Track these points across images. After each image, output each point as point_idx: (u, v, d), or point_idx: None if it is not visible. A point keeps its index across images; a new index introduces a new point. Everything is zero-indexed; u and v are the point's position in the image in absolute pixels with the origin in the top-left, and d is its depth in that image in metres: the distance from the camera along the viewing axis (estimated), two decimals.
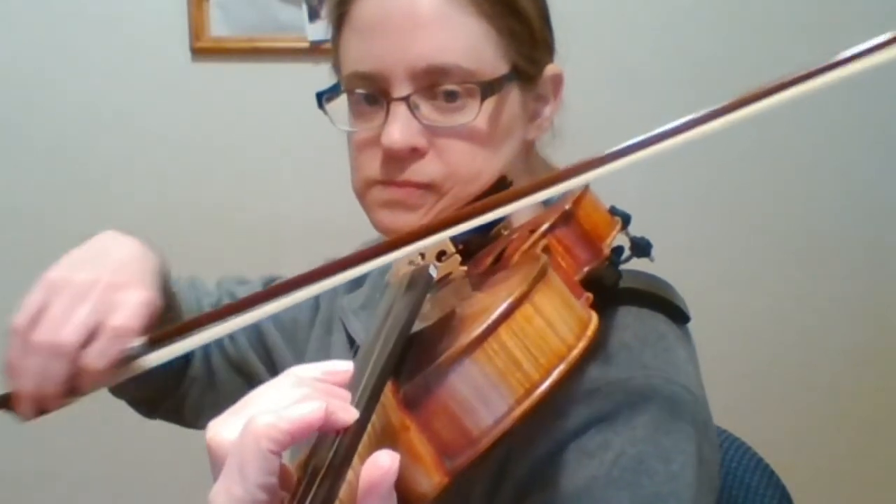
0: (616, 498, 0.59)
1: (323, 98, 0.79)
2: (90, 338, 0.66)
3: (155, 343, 0.66)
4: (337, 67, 0.80)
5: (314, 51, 1.78)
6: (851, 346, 1.94)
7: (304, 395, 0.41)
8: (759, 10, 1.83)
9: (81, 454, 1.87)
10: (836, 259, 1.92)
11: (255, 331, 0.97)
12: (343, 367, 0.45)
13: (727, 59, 1.81)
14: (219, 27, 1.81)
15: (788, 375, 1.94)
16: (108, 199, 1.84)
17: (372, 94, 0.75)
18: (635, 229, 0.72)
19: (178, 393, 0.96)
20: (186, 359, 0.96)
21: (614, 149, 0.54)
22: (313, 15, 1.78)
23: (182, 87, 1.83)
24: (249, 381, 0.97)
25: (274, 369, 0.96)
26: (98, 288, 0.68)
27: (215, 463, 0.41)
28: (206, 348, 0.96)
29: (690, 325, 0.75)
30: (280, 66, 1.81)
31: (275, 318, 0.96)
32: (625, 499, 0.59)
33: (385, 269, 0.92)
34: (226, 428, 0.42)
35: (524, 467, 0.62)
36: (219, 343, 0.96)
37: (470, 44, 0.73)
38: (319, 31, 1.78)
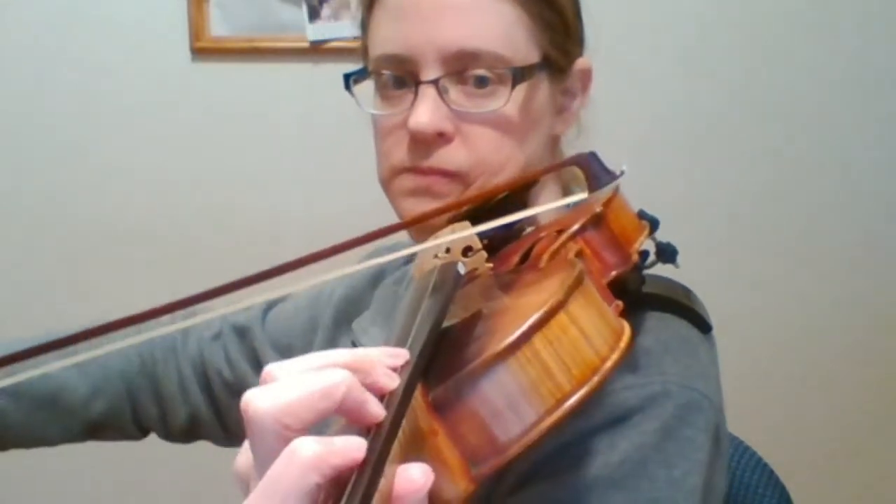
0: (613, 499, 0.58)
1: (350, 80, 0.77)
2: None
3: None
4: (365, 50, 0.79)
5: (314, 51, 1.78)
6: (851, 345, 1.94)
7: (337, 381, 0.37)
8: (767, 8, 1.83)
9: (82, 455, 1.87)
10: (837, 259, 1.92)
11: (252, 354, 0.96)
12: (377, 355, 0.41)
13: (732, 58, 1.81)
14: (219, 27, 1.80)
15: (788, 375, 1.94)
16: (108, 199, 1.84)
17: (400, 76, 0.74)
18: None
19: (174, 416, 0.97)
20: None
21: None
22: (313, 15, 1.78)
23: (182, 87, 1.83)
24: None
25: None
26: None
27: (254, 435, 0.37)
28: (206, 379, 0.96)
29: None
30: (280, 66, 1.80)
31: (272, 341, 0.95)
32: (621, 501, 0.58)
33: (387, 289, 0.91)
34: (260, 398, 0.37)
35: (528, 460, 0.62)
36: (218, 372, 0.96)
37: (503, 29, 0.72)
38: (319, 31, 1.77)
